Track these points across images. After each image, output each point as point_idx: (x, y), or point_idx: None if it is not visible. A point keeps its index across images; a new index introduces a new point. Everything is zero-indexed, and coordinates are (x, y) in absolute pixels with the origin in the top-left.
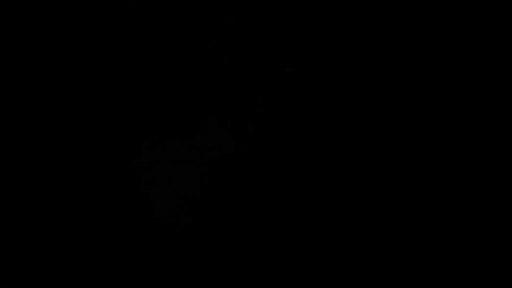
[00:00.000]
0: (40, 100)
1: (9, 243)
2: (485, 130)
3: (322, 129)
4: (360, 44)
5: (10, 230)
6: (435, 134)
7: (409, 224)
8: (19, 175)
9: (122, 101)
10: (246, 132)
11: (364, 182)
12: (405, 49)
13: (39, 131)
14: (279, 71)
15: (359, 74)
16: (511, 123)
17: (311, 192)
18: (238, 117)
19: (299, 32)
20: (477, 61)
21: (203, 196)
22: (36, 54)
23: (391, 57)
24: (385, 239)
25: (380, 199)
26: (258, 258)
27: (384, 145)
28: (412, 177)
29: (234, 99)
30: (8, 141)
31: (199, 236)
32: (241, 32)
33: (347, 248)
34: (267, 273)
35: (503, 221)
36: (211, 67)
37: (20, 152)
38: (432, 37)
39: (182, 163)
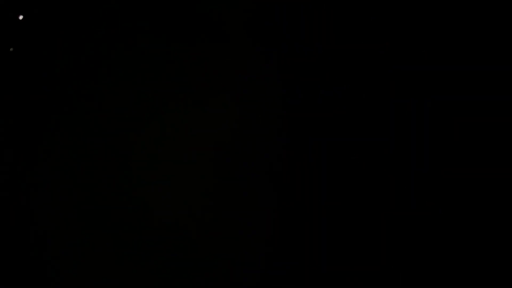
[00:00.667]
0: (40, 100)
1: (8, 243)
2: (485, 130)
3: (322, 129)
4: (360, 44)
5: (10, 230)
6: (435, 134)
7: (409, 224)
8: (19, 175)
9: (122, 101)
10: (246, 132)
11: (364, 182)
12: (405, 49)
13: (39, 131)
14: (279, 71)
15: (359, 74)
16: (511, 123)
17: (311, 192)
18: (238, 117)
19: (299, 32)
20: (477, 61)
21: (203, 196)
22: (36, 54)
23: (391, 57)
24: (385, 239)
25: (380, 199)
26: (258, 258)
27: (384, 145)
28: (412, 177)
29: (234, 99)
30: (8, 141)
31: (199, 236)
32: (241, 32)
33: (347, 248)
34: (267, 273)
35: (503, 221)
36: (211, 67)
37: (20, 152)
38: (432, 37)
39: (182, 163)
